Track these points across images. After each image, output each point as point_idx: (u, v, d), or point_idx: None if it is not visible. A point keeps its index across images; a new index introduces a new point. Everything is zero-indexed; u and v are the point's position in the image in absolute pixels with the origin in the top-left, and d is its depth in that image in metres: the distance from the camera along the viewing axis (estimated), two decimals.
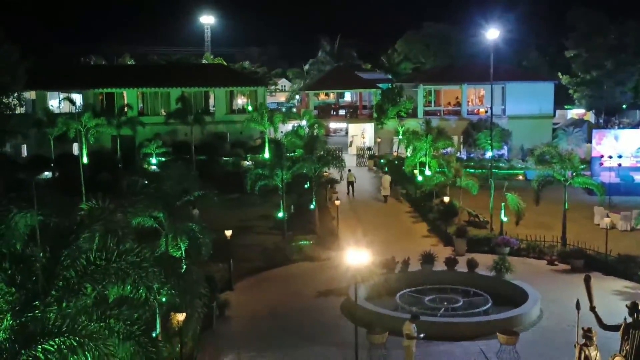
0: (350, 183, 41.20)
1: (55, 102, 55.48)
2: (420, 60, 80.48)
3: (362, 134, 58.35)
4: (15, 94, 44.46)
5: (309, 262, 27.04)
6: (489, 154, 42.60)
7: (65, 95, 51.16)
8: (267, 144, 47.77)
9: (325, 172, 38.38)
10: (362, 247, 16.13)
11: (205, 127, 49.87)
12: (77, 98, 52.60)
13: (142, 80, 55.15)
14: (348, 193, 41.17)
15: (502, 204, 29.21)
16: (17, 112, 46.03)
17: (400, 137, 50.56)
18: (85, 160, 43.34)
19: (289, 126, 50.07)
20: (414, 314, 17.39)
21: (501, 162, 48.95)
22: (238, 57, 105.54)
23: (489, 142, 41.93)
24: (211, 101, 58.46)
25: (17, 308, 9.28)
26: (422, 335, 16.71)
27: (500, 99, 54.97)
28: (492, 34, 35.14)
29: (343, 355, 17.44)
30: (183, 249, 18.68)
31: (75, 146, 49.80)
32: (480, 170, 44.06)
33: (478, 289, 22.33)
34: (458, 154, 48.65)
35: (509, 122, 54.07)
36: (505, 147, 52.23)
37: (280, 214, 31.31)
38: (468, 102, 58.23)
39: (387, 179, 40.44)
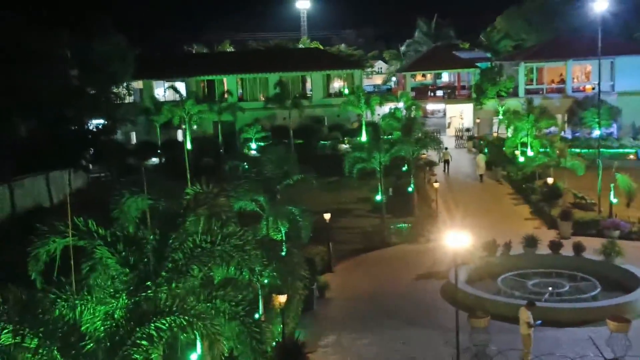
0: (446, 161, 41.72)
1: (160, 91, 57.69)
2: (522, 37, 77.72)
3: (461, 115, 57.21)
4: (125, 83, 46.48)
5: (407, 244, 26.96)
6: (596, 133, 40.72)
7: (170, 83, 53.05)
8: (364, 127, 47.73)
9: (423, 154, 37.98)
10: (462, 228, 15.84)
11: (302, 111, 50.43)
12: (181, 86, 54.43)
13: (241, 66, 56.38)
14: (444, 170, 41.80)
15: (612, 185, 27.88)
16: (126, 101, 48.19)
17: (500, 117, 49.17)
18: (189, 145, 44.93)
19: (386, 108, 49.75)
20: (530, 301, 16.81)
21: (610, 141, 46.65)
22: (334, 41, 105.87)
23: (596, 120, 40.06)
24: (308, 85, 58.99)
25: (131, 288, 9.76)
26: (538, 322, 16.18)
27: (609, 74, 52.25)
28: (600, 4, 33.34)
29: (444, 338, 17.27)
30: (283, 232, 19.02)
31: (180, 132, 51.69)
32: (586, 150, 42.23)
33: (585, 273, 21.46)
34: (562, 134, 46.84)
35: (618, 98, 51.36)
36: (615, 125, 49.72)
37: (379, 197, 31.30)
38: (573, 79, 55.77)
39: (481, 157, 40.33)
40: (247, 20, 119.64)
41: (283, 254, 15.18)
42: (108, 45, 42.35)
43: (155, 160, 48.14)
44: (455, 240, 15.34)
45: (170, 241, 10.82)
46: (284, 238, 18.93)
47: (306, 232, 19.00)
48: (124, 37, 44.54)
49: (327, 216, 24.19)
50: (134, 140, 54.02)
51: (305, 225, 18.95)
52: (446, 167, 42.16)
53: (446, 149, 40.69)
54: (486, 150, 44.73)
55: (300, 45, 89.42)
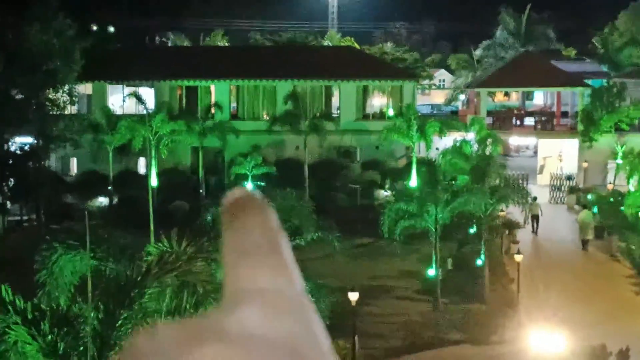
0: (535, 217, 41.92)
1: (117, 99, 58.28)
2: None
3: (560, 155, 57.02)
4: (67, 86, 47.01)
5: (473, 344, 26.69)
6: None
7: (132, 89, 53.52)
8: (414, 166, 47.79)
9: (502, 211, 37.75)
10: (555, 325, 15.71)
11: (325, 138, 50.63)
12: (148, 93, 54.88)
13: (237, 68, 56.88)
14: (533, 231, 42.19)
15: None
16: (66, 111, 48.60)
17: (619, 161, 48.89)
18: (154, 181, 45.14)
19: (448, 140, 49.87)
20: None
21: None
22: (376, 38, 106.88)
23: None
24: (335, 101, 59.28)
25: None
26: None
27: None
28: None
29: None
30: None
31: (142, 161, 52.02)
32: None
33: None
34: None
35: None
36: None
37: (432, 271, 31.09)
38: None
39: (587, 215, 40.47)
40: (250, 3, 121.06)
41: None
42: (46, 33, 43.07)
43: (104, 200, 48.40)
44: (545, 341, 15.23)
45: (120, 322, 10.83)
46: None
47: (321, 319, 18.88)
48: (70, 22, 45.24)
49: (353, 296, 24.04)
50: (74, 169, 54.44)
51: (320, 308, 18.89)
52: (534, 225, 42.35)
53: (534, 199, 40.70)
54: (595, 210, 44.57)
55: (327, 42, 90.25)
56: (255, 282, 0.71)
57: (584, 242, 39.83)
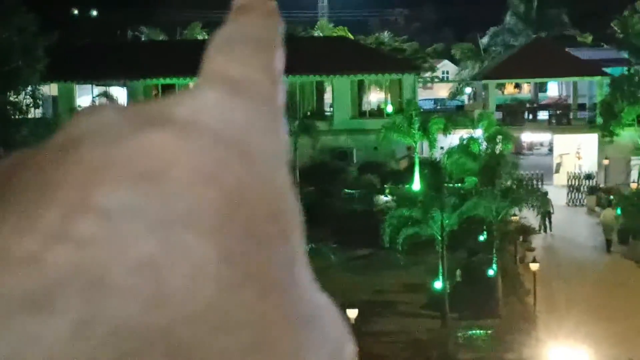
0: (546, 214, 42.04)
1: (86, 100, 58.29)
2: None
3: (578, 152, 57.14)
4: (30, 88, 46.97)
5: None
6: None
7: (102, 89, 53.57)
8: (417, 168, 47.84)
9: (515, 215, 37.80)
10: (576, 342, 15.73)
11: (317, 139, 50.69)
12: (120, 93, 54.92)
13: None
14: (545, 230, 42.64)
15: None
16: (30, 115, 48.54)
17: None
18: None
19: (454, 138, 49.92)
20: None
21: None
22: (372, 26, 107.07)
23: None
24: (327, 97, 59.39)
25: None
26: None
27: None
28: None
29: None
30: None
31: None
32: None
33: None
34: None
35: None
36: None
37: (439, 284, 31.11)
38: None
39: (610, 214, 41.16)
40: None
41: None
42: (5, 30, 43.00)
43: None
44: (565, 359, 15.24)
45: None
46: None
47: None
48: (34, 17, 45.19)
49: (352, 314, 24.04)
50: None
51: None
52: (547, 223, 42.62)
53: (545, 194, 40.83)
54: (619, 211, 44.70)
55: (317, 33, 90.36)
56: (228, 71, 0.68)
57: (608, 243, 40.23)
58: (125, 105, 0.66)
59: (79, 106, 55.29)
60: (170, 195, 0.60)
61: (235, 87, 0.68)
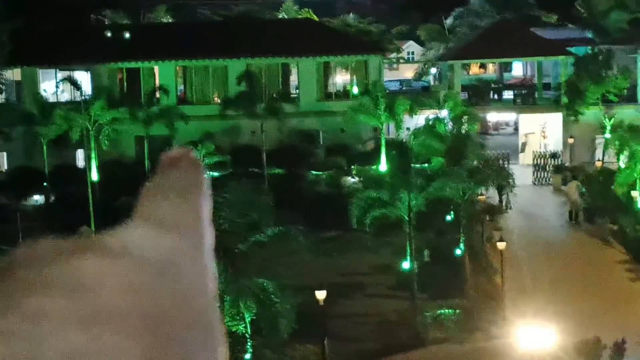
0: (502, 188, 41.97)
1: (50, 85, 57.82)
2: None
3: (543, 131, 57.39)
4: None
5: (454, 344, 26.84)
6: None
7: (66, 73, 53.13)
8: (383, 149, 47.89)
9: (481, 195, 37.96)
10: (544, 319, 15.86)
11: (284, 121, 50.59)
12: (84, 78, 54.53)
13: (183, 47, 56.63)
14: (503, 204, 42.52)
15: None
16: None
17: (608, 135, 49.29)
18: (95, 175, 44.89)
19: (420, 119, 50.04)
20: None
21: None
22: (338, 8, 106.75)
23: None
24: (293, 79, 59.19)
25: None
26: None
27: None
28: None
29: None
30: (248, 320, 18.97)
31: (81, 154, 51.71)
32: None
33: None
34: None
35: None
36: None
37: (407, 264, 31.20)
38: None
39: (575, 186, 42.08)
40: None
41: (248, 358, 15.14)
42: None
43: (39, 198, 48.04)
44: (533, 337, 15.35)
45: None
46: (248, 332, 18.87)
47: (287, 322, 18.94)
48: None
49: (321, 295, 24.06)
50: (4, 165, 54.00)
51: (285, 309, 18.90)
52: (502, 198, 42.59)
53: (502, 168, 41.26)
54: (583, 190, 45.04)
55: (282, 15, 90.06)
56: (158, 213, 0.81)
57: (573, 215, 41.39)
58: (57, 239, 0.76)
59: (44, 91, 54.98)
60: (99, 300, 0.71)
61: (163, 222, 0.80)
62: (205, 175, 0.88)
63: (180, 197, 0.83)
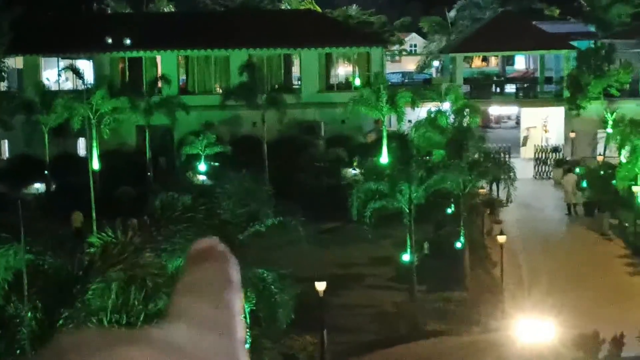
0: (495, 181, 41.78)
1: (52, 74, 57.82)
2: None
3: (545, 125, 57.38)
4: None
5: (454, 336, 26.89)
6: None
7: (68, 62, 53.12)
8: (385, 142, 47.90)
9: (482, 188, 37.97)
10: (543, 313, 15.90)
11: (285, 112, 50.57)
12: (86, 66, 54.53)
13: (185, 37, 56.60)
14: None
15: None
16: None
17: (610, 130, 49.27)
18: (96, 165, 44.92)
19: (422, 112, 50.02)
20: None
21: None
22: (340, 0, 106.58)
23: None
24: (295, 71, 59.18)
25: None
26: None
27: None
28: None
29: None
30: (247, 311, 19.01)
31: (82, 142, 51.75)
32: None
33: None
34: None
35: None
36: None
37: (407, 257, 31.22)
38: None
39: (572, 178, 42.37)
40: None
41: (246, 348, 15.16)
42: None
43: (40, 187, 48.07)
44: (532, 331, 15.38)
45: (61, 322, 10.78)
46: (247, 322, 18.89)
47: (285, 312, 18.98)
48: None
49: (320, 286, 24.09)
50: (5, 153, 54.04)
51: (284, 300, 18.94)
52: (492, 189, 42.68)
53: (497, 160, 41.34)
54: (578, 171, 45.11)
55: (284, 6, 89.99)
56: (194, 310, 0.86)
57: (570, 208, 41.55)
58: (101, 329, 0.82)
59: (46, 80, 54.99)
60: None
61: (202, 323, 0.84)
62: (236, 269, 0.93)
63: (214, 295, 0.87)
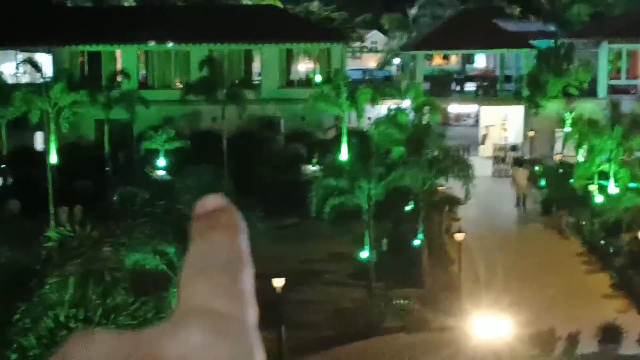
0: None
1: (10, 67, 57.35)
2: (606, 1, 79.09)
3: (504, 123, 57.73)
4: None
5: (411, 333, 27.00)
6: None
7: (26, 55, 52.74)
8: (345, 138, 47.98)
9: (441, 186, 38.13)
10: (499, 310, 16.05)
11: (245, 108, 50.50)
12: (45, 60, 54.13)
13: (146, 31, 56.32)
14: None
15: None
16: None
17: (568, 129, 49.66)
18: (54, 158, 44.62)
19: (382, 109, 50.14)
20: None
21: None
22: None
23: None
24: (256, 66, 59.09)
25: None
26: None
27: None
28: None
29: None
30: None
31: (40, 136, 51.38)
32: None
33: None
34: None
35: None
36: None
37: (365, 253, 31.30)
38: None
39: (522, 173, 43.37)
40: None
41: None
42: None
43: None
44: (489, 327, 15.52)
45: (17, 317, 10.75)
46: None
47: None
48: None
49: (278, 282, 24.12)
50: None
51: None
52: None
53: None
54: (543, 182, 45.30)
55: (246, 1, 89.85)
56: (207, 303, 0.78)
57: (520, 201, 42.48)
58: (113, 336, 0.74)
59: (4, 72, 54.47)
60: None
61: (218, 324, 0.76)
62: (246, 239, 0.85)
63: (228, 282, 0.79)
